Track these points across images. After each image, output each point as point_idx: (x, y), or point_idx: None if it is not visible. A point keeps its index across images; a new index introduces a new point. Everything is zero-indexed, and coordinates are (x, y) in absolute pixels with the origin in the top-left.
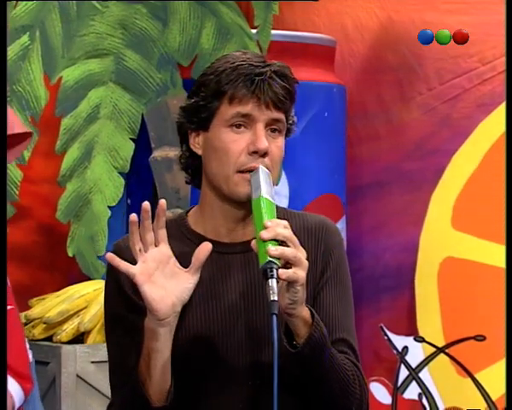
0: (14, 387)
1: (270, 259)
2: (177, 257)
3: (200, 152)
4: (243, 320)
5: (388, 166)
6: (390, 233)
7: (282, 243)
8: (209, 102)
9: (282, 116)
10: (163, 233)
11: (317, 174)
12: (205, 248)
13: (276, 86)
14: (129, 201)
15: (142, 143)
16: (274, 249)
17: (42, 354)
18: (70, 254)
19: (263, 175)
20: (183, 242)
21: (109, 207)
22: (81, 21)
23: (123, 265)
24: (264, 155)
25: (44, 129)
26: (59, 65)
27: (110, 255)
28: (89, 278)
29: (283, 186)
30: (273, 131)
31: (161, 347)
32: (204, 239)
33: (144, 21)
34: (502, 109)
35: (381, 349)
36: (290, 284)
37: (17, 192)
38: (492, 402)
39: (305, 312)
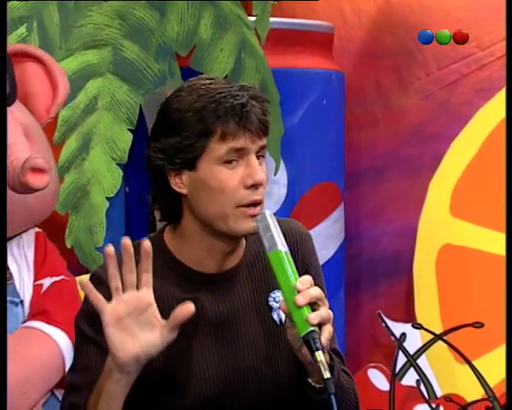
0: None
1: (313, 328)
2: (158, 282)
3: (184, 191)
4: (225, 347)
5: (386, 152)
6: (388, 219)
7: (314, 303)
8: (195, 142)
9: (266, 141)
10: (148, 278)
11: (316, 162)
12: (186, 310)
13: (259, 112)
14: (127, 189)
15: (141, 133)
16: (313, 317)
17: None
18: (68, 246)
19: (271, 221)
20: (164, 268)
21: (107, 197)
22: (79, 12)
23: (94, 296)
24: (261, 185)
25: None
26: (56, 56)
27: (85, 283)
28: (87, 270)
29: (281, 175)
30: (258, 157)
31: (114, 391)
32: (187, 269)
33: (142, 11)
34: (501, 95)
35: (379, 335)
36: None
37: None
38: (490, 389)
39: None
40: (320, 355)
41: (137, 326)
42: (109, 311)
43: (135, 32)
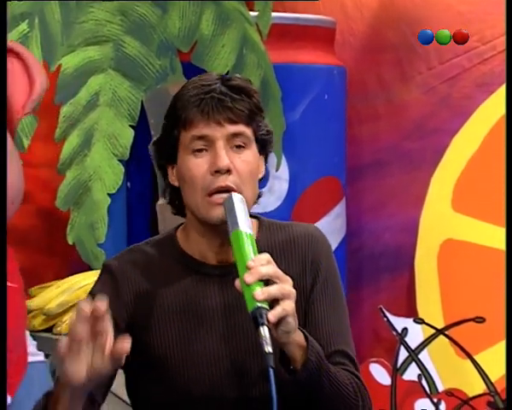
0: None
1: (259, 304)
2: (164, 276)
3: (176, 184)
4: (226, 341)
5: (388, 146)
6: (390, 213)
7: (267, 280)
8: (170, 134)
9: (242, 129)
10: (102, 341)
11: (317, 157)
12: (123, 349)
13: (227, 100)
14: (128, 184)
15: (142, 129)
16: (260, 293)
17: (42, 346)
18: (70, 242)
19: (237, 203)
20: (171, 262)
21: (109, 194)
22: (80, 8)
23: (75, 326)
24: (228, 172)
25: (44, 114)
26: (58, 52)
27: (79, 308)
28: (89, 266)
29: (283, 170)
30: (237, 147)
31: (68, 403)
32: (193, 260)
33: (144, 7)
34: (503, 90)
35: (381, 329)
36: (281, 320)
37: None
38: (492, 384)
39: (298, 337)
40: (264, 330)
41: (89, 349)
42: (66, 343)
43: (136, 28)
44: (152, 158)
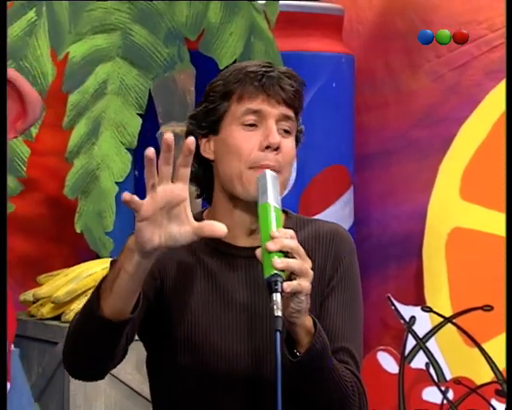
0: None
1: (276, 271)
2: (192, 257)
3: (212, 157)
4: (248, 322)
5: (396, 135)
6: (398, 201)
7: (287, 253)
8: (218, 104)
9: (292, 114)
10: (185, 173)
11: (325, 146)
12: (217, 231)
13: (285, 84)
14: (136, 172)
15: (150, 118)
16: (279, 262)
17: (50, 334)
18: (78, 231)
19: (270, 179)
20: (199, 243)
21: (117, 182)
22: None
23: (135, 200)
24: (277, 149)
25: (52, 102)
26: (66, 40)
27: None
28: (97, 254)
29: None
30: (285, 131)
31: (132, 271)
32: (221, 242)
33: None
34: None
35: (389, 318)
36: (294, 294)
37: (24, 169)
38: (499, 372)
39: (307, 321)
40: (277, 296)
41: (166, 219)
42: (143, 209)
43: (144, 16)
44: (188, 127)
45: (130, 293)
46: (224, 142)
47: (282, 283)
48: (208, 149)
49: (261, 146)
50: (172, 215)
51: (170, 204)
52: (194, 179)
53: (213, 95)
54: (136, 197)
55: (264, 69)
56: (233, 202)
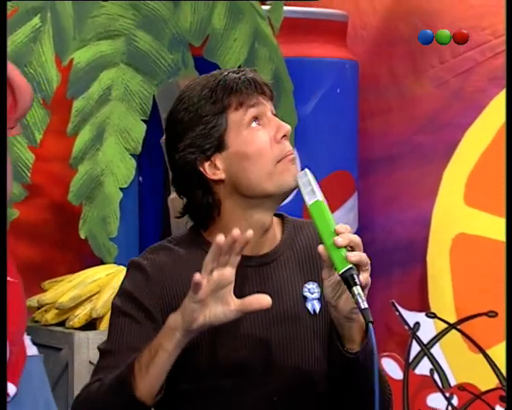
0: None
1: (350, 266)
2: (191, 264)
3: (222, 176)
4: (264, 330)
5: (400, 140)
6: (402, 207)
7: (351, 248)
8: (217, 121)
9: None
10: (235, 259)
11: (329, 151)
12: (262, 303)
13: (259, 78)
14: (140, 178)
15: (154, 124)
16: (353, 256)
17: (55, 340)
18: (82, 236)
19: (311, 177)
20: (202, 255)
21: (121, 188)
22: (92, 2)
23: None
24: (286, 136)
25: (56, 107)
26: (70, 46)
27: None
28: (101, 260)
29: None
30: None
31: (172, 350)
32: None
33: (155, 2)
34: None
35: (393, 324)
36: (365, 287)
37: (29, 174)
38: (504, 378)
39: (361, 318)
40: (358, 289)
41: (213, 299)
42: (202, 292)
43: (148, 22)
44: (183, 159)
45: (164, 373)
46: (238, 152)
47: (358, 275)
48: (216, 170)
49: (276, 138)
50: (218, 296)
51: (219, 287)
52: (196, 211)
53: (206, 115)
54: (205, 281)
55: (242, 73)
56: (252, 208)
